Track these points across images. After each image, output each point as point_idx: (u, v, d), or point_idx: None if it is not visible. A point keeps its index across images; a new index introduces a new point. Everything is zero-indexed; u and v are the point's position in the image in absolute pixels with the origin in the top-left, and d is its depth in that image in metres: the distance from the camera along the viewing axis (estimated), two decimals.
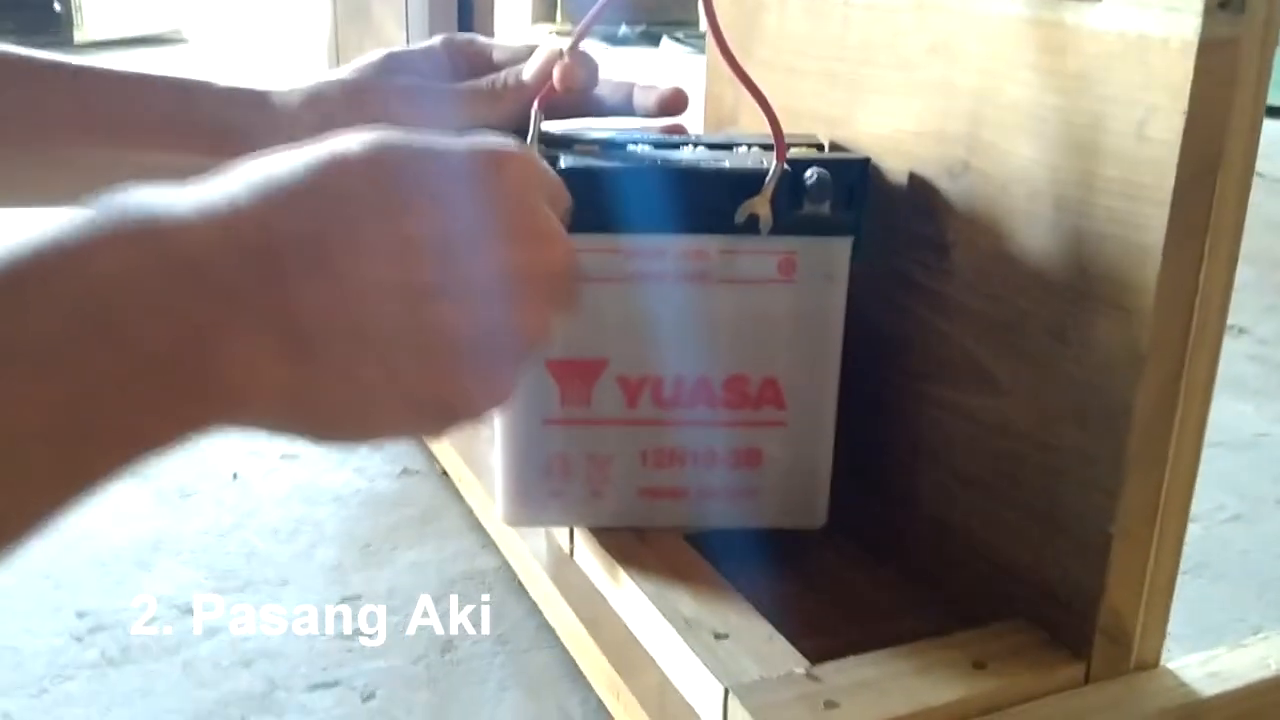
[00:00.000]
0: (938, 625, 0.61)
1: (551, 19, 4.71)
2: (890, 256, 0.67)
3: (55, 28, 4.06)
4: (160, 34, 4.33)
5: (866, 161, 0.64)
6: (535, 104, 0.60)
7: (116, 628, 0.72)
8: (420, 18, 1.32)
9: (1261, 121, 0.52)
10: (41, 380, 0.27)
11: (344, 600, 0.75)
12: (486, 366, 0.37)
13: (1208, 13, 0.48)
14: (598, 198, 0.60)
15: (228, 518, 0.85)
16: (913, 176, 0.65)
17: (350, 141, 0.35)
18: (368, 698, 0.66)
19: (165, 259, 0.29)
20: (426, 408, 0.36)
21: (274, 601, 0.75)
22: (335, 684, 0.67)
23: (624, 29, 4.30)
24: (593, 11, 0.59)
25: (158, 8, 4.36)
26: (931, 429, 0.66)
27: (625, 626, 0.64)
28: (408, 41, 1.36)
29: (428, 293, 0.35)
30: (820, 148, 0.66)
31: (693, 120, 0.68)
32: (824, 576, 0.69)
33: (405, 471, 0.92)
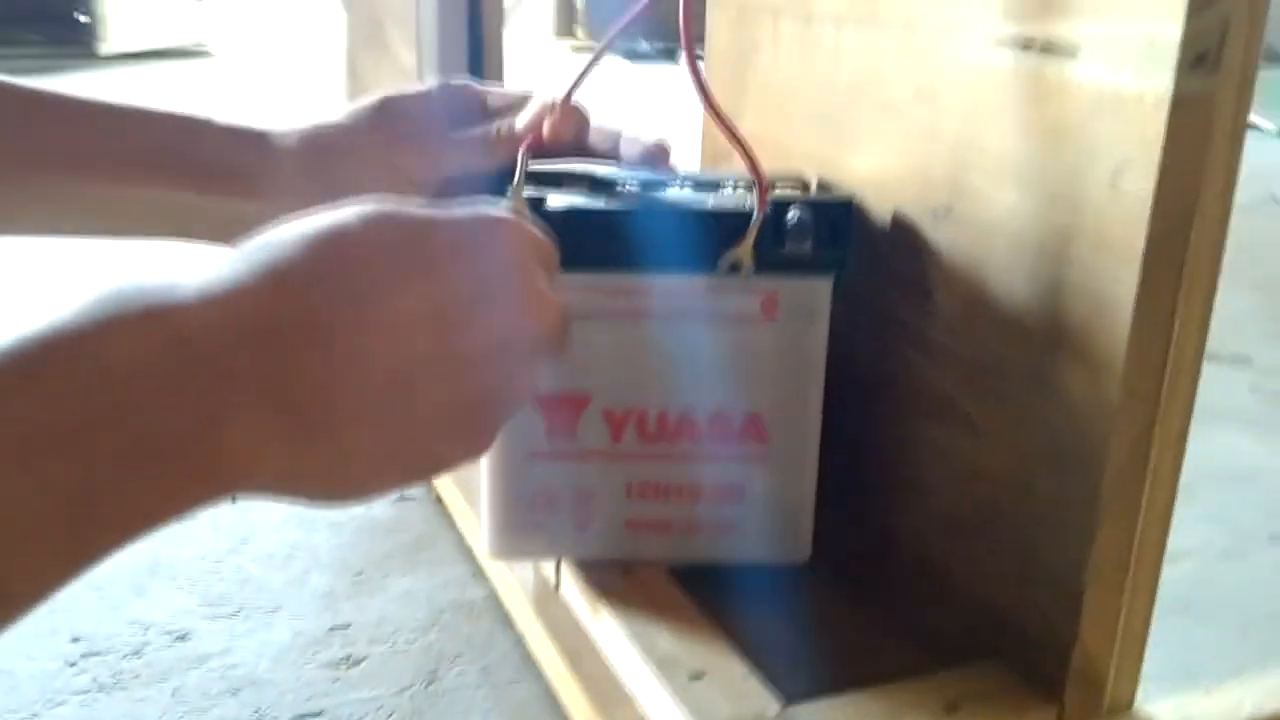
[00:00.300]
0: (918, 664, 0.62)
1: (572, 34, 4.74)
2: (876, 295, 0.68)
3: (80, 40, 4.10)
4: (184, 47, 4.37)
5: (849, 202, 0.64)
6: (522, 149, 0.61)
7: (110, 653, 0.73)
8: (431, 45, 1.34)
9: (1238, 176, 0.53)
10: (51, 463, 0.28)
11: (334, 628, 0.76)
12: (476, 426, 0.38)
13: (1181, 69, 0.49)
14: (583, 238, 0.61)
15: (224, 543, 0.86)
16: (898, 218, 0.66)
17: (350, 216, 0.36)
18: None
19: (171, 345, 0.31)
20: (417, 466, 0.37)
21: (265, 628, 0.76)
22: (320, 714, 0.68)
23: (644, 45, 4.32)
24: (585, 67, 0.60)
25: (182, 21, 4.40)
26: (913, 468, 0.66)
27: (606, 662, 0.65)
28: (419, 65, 1.37)
29: (427, 365, 0.36)
30: (806, 186, 0.67)
31: (690, 152, 0.70)
32: (806, 612, 0.69)
33: (401, 498, 0.93)
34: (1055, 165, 0.55)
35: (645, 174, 0.66)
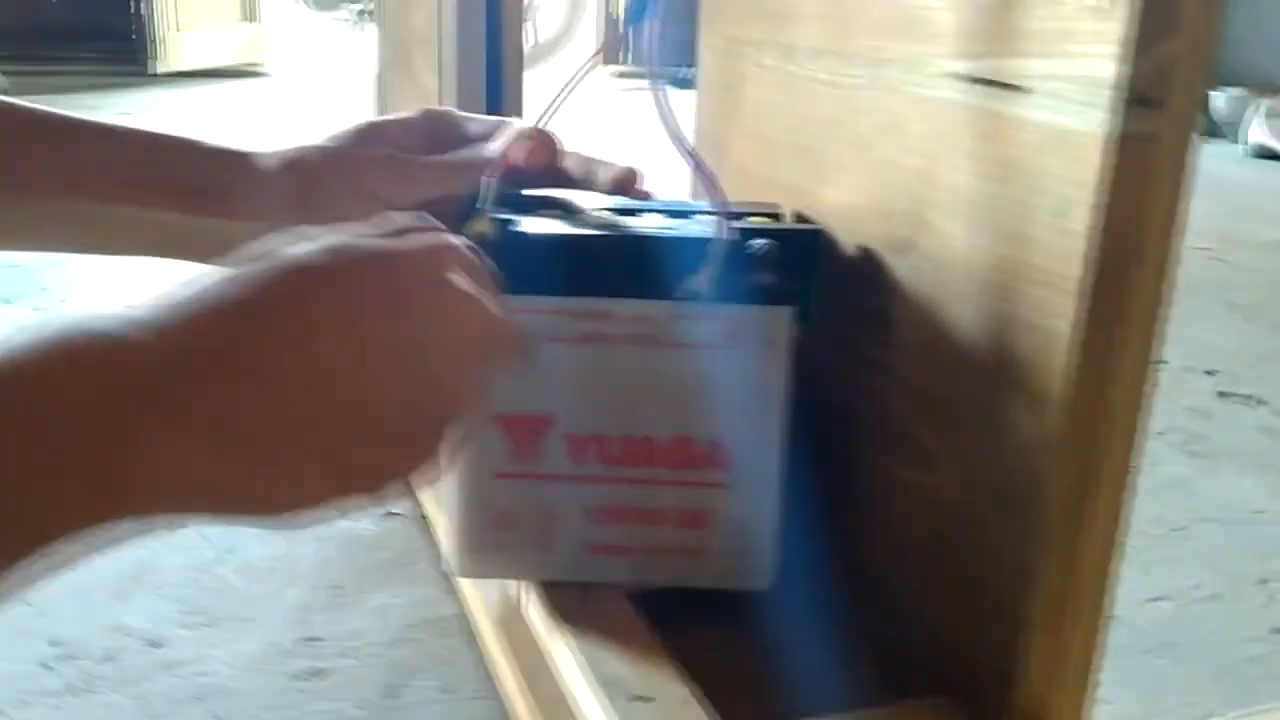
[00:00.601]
0: (870, 696, 0.61)
1: (616, 60, 4.78)
2: (841, 325, 0.68)
3: (135, 58, 4.19)
4: (238, 66, 4.45)
5: (814, 234, 0.65)
6: (489, 173, 0.62)
7: (84, 657, 0.75)
8: (450, 69, 1.36)
9: (1185, 216, 0.53)
10: None
11: (304, 640, 0.77)
12: (417, 434, 0.39)
13: (1122, 110, 0.49)
14: (548, 261, 0.62)
15: (209, 552, 0.87)
16: (862, 251, 0.66)
17: (311, 246, 0.38)
18: None
19: (93, 366, 0.31)
20: (359, 480, 0.38)
21: (238, 639, 0.77)
22: None
23: (684, 71, 4.34)
24: (556, 98, 0.61)
25: (236, 41, 4.48)
26: (873, 497, 0.67)
27: (559, 682, 0.65)
28: (440, 90, 1.40)
29: (366, 391, 0.37)
30: (777, 217, 0.67)
31: (684, 181, 0.71)
32: (764, 640, 0.69)
33: (389, 514, 0.94)
34: (1006, 202, 0.55)
35: (620, 200, 0.67)
